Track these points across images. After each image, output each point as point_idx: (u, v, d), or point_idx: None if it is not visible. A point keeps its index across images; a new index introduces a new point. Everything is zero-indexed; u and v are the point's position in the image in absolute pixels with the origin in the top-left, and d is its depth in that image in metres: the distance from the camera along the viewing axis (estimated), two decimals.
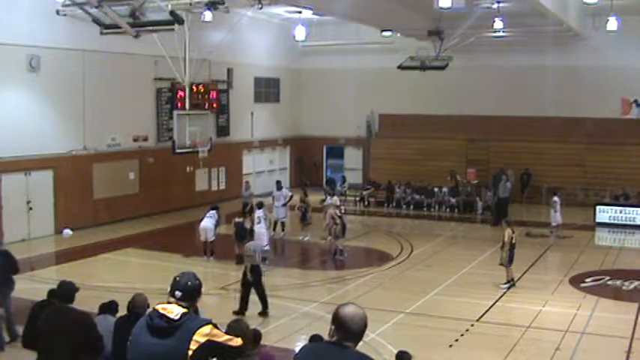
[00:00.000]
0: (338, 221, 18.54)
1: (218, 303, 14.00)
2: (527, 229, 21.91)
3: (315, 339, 6.41)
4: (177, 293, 4.52)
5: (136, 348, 4.54)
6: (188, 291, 4.55)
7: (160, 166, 24.90)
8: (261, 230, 17.74)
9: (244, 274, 13.49)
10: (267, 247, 17.76)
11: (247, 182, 24.50)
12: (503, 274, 15.95)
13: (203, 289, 4.70)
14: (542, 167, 27.85)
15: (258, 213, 18.37)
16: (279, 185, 22.52)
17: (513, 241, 15.68)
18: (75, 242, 20.31)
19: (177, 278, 4.59)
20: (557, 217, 21.55)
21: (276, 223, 21.57)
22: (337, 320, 3.93)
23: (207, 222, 18.25)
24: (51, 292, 9.08)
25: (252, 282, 13.45)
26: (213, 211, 18.64)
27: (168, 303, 4.52)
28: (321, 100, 33.10)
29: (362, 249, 21.26)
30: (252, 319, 12.05)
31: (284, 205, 21.64)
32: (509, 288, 15.55)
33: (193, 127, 20.44)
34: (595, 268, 17.82)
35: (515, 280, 15.91)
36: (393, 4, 21.03)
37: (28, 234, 20.35)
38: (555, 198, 21.75)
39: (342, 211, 19.77)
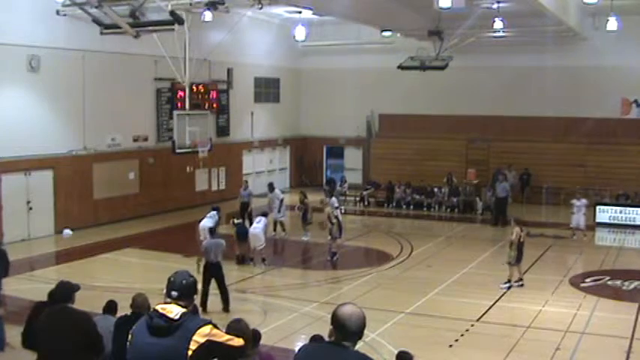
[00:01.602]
0: (334, 221, 18.44)
1: (218, 303, 13.97)
2: (527, 229, 21.83)
3: (315, 339, 6.41)
4: (174, 293, 4.54)
5: (135, 348, 4.55)
6: (184, 289, 4.57)
7: (160, 166, 24.91)
8: (255, 231, 17.73)
9: (204, 272, 13.63)
10: (261, 247, 17.69)
11: (246, 182, 24.45)
12: (502, 274, 15.96)
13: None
14: (542, 167, 27.84)
15: (261, 218, 18.37)
16: (271, 187, 22.48)
17: (522, 240, 15.65)
18: (75, 242, 20.34)
19: (172, 278, 4.62)
20: (574, 219, 21.38)
21: (276, 224, 21.62)
22: (335, 320, 3.96)
23: (207, 222, 18.21)
24: (51, 295, 9.06)
25: (215, 279, 13.66)
26: (214, 212, 18.63)
27: (166, 303, 4.53)
28: (321, 100, 33.09)
29: (362, 249, 21.26)
30: (251, 318, 12.04)
31: (279, 206, 21.68)
32: (509, 288, 15.54)
33: (193, 127, 20.43)
34: (595, 268, 17.83)
35: (516, 280, 15.87)
36: (393, 4, 21.03)
37: (28, 234, 20.35)
38: (573, 201, 21.56)
39: (342, 211, 19.74)
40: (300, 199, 21.89)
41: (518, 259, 15.69)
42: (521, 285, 15.67)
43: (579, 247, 20.70)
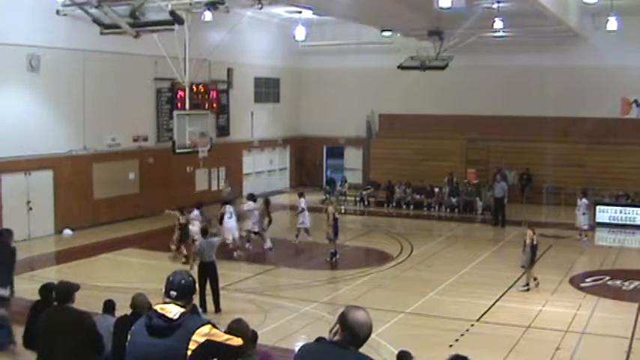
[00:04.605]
0: (331, 222, 18.36)
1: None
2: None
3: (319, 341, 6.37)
4: (172, 293, 4.53)
5: (134, 348, 4.54)
6: (182, 289, 4.56)
7: (159, 166, 24.90)
8: (228, 225, 18.07)
9: (199, 272, 13.51)
10: (229, 240, 18.08)
11: (226, 180, 25.07)
12: (502, 275, 15.93)
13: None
14: (542, 167, 27.83)
15: (229, 208, 18.80)
16: (252, 197, 21.04)
17: (534, 243, 15.45)
18: (75, 242, 20.35)
19: (171, 278, 4.62)
20: (581, 219, 21.18)
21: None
22: (345, 323, 3.92)
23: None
24: (43, 288, 9.08)
25: (210, 279, 13.64)
26: (198, 212, 18.60)
27: (165, 303, 4.53)
28: (321, 100, 33.10)
29: (362, 249, 21.25)
30: (251, 318, 12.03)
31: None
32: (527, 290, 15.36)
33: (193, 127, 20.42)
34: (595, 268, 17.82)
35: (530, 282, 15.56)
36: (393, 4, 21.01)
37: (28, 234, 20.32)
38: (583, 200, 21.27)
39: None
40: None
41: (530, 262, 15.45)
42: (527, 289, 15.40)
43: (579, 247, 20.69)
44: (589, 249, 20.69)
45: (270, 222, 19.98)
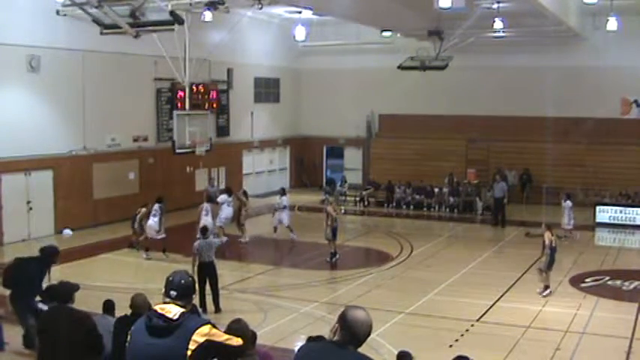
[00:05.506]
0: (329, 222, 18.36)
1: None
2: (527, 230, 21.86)
3: (312, 340, 6.38)
4: (172, 293, 4.54)
5: (134, 348, 4.54)
6: (183, 289, 4.57)
7: (160, 166, 24.91)
8: (205, 222, 18.25)
9: (199, 272, 13.50)
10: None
11: (212, 179, 25.78)
12: (502, 275, 15.92)
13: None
14: (542, 167, 27.79)
15: (207, 206, 19.19)
16: (226, 191, 21.72)
17: (554, 245, 15.19)
18: (75, 242, 20.34)
19: (170, 278, 4.62)
20: (566, 219, 21.29)
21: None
22: (345, 322, 3.93)
23: (152, 221, 18.65)
24: (48, 289, 9.11)
25: (209, 278, 13.64)
26: (158, 206, 18.76)
27: (165, 303, 4.53)
28: (321, 100, 33.08)
29: (362, 249, 21.26)
30: (251, 318, 12.03)
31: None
32: (548, 294, 15.09)
33: (193, 127, 20.43)
34: (595, 268, 17.82)
35: (546, 286, 15.33)
36: (393, 4, 21.02)
37: (28, 234, 20.32)
38: (567, 202, 21.47)
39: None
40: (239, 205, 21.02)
41: (549, 264, 15.16)
42: (549, 292, 15.04)
43: (579, 247, 20.68)
44: (588, 249, 20.67)
45: (239, 215, 20.73)
